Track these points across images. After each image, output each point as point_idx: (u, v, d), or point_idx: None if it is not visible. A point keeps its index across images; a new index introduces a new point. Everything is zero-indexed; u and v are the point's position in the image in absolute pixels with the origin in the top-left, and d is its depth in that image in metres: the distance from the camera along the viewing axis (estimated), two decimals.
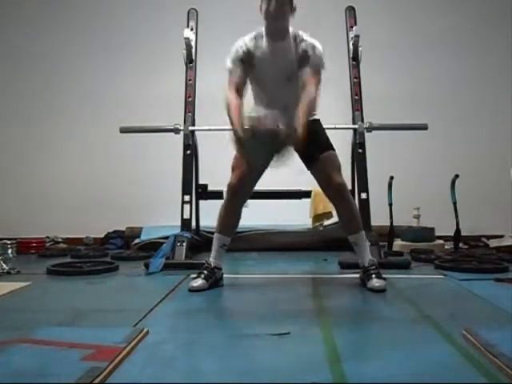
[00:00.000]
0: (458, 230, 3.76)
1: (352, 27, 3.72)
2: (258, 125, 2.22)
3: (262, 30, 2.52)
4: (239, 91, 2.48)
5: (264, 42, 2.51)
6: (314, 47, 2.48)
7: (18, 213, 4.70)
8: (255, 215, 3.89)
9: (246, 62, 2.49)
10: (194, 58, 3.81)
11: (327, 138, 2.63)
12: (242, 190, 2.56)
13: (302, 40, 2.49)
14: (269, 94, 2.55)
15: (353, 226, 2.59)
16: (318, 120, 2.64)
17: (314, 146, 2.54)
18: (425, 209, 4.15)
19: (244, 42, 2.52)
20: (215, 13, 4.44)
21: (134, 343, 1.56)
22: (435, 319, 1.92)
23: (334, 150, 2.59)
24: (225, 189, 2.65)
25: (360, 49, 3.68)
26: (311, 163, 2.58)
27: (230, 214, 2.62)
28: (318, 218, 4.01)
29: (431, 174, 4.47)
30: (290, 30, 2.50)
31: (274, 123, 2.21)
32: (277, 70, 2.50)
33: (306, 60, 2.45)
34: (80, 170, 4.81)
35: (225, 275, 2.66)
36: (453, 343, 1.61)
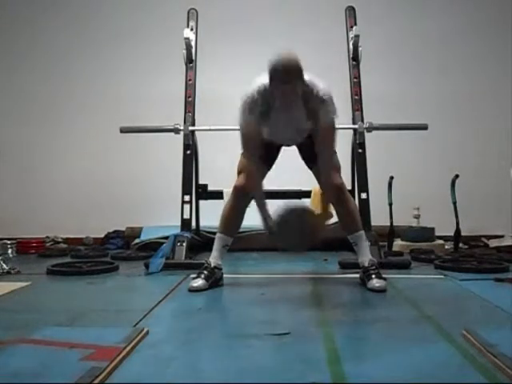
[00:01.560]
0: (457, 230, 3.76)
1: (352, 27, 3.71)
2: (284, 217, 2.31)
3: (267, 84, 2.29)
4: (257, 152, 2.44)
5: (275, 107, 2.33)
6: (322, 101, 2.31)
7: (18, 213, 4.70)
8: (255, 215, 3.89)
9: (257, 113, 2.35)
10: (194, 58, 3.81)
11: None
12: (248, 191, 2.56)
13: (312, 93, 2.30)
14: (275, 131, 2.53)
15: (352, 225, 2.60)
16: None
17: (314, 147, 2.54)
18: (425, 209, 4.15)
19: (252, 97, 2.33)
20: (215, 13, 4.44)
21: (134, 343, 1.56)
22: (435, 319, 1.92)
23: (335, 152, 2.58)
24: (225, 189, 2.65)
25: (360, 49, 3.68)
26: (313, 163, 2.58)
27: (235, 215, 2.63)
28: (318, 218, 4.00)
29: (431, 174, 4.47)
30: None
31: (297, 210, 2.32)
32: (284, 129, 2.47)
33: (317, 114, 2.33)
34: (80, 169, 4.81)
35: (225, 275, 2.65)
36: (453, 343, 1.61)
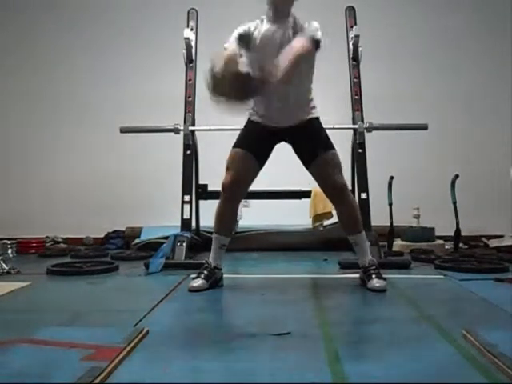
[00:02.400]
0: (457, 230, 3.76)
1: (352, 27, 3.71)
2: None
3: (264, 17, 2.53)
4: (229, 63, 2.41)
5: (263, 25, 2.51)
6: (310, 23, 2.46)
7: (18, 213, 4.70)
8: (255, 215, 3.91)
9: (243, 41, 2.49)
10: (193, 58, 3.81)
11: (327, 137, 2.58)
12: (237, 188, 2.55)
13: (300, 20, 2.49)
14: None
15: (353, 226, 2.58)
16: (318, 118, 2.60)
17: (312, 146, 2.54)
18: (425, 209, 4.15)
19: (245, 25, 2.54)
20: (215, 13, 4.44)
21: (134, 343, 1.56)
22: (435, 319, 1.92)
23: (334, 149, 2.56)
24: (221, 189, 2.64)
25: (360, 49, 3.68)
26: (310, 163, 2.55)
27: (227, 214, 2.61)
28: (317, 217, 4.01)
29: (431, 174, 4.47)
30: (291, 15, 2.50)
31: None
32: (271, 46, 2.45)
33: (301, 30, 2.45)
34: (80, 169, 4.82)
35: (225, 275, 2.65)
36: (453, 343, 1.61)
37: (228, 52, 2.43)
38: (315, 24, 2.46)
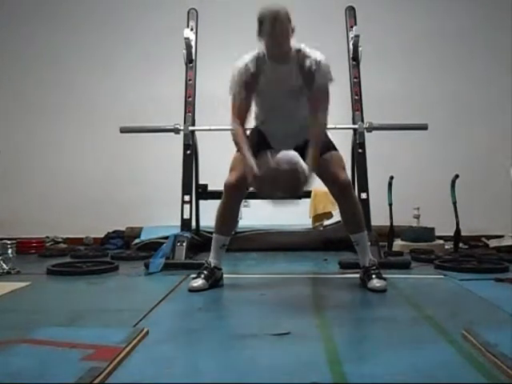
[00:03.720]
0: (457, 230, 3.76)
1: (352, 27, 3.71)
2: (276, 169, 2.21)
3: (263, 50, 2.43)
4: (244, 117, 2.49)
5: (267, 66, 2.43)
6: (318, 63, 2.39)
7: (18, 213, 4.70)
8: (255, 215, 3.90)
9: (249, 85, 2.44)
10: (193, 57, 3.81)
11: (329, 140, 2.62)
12: (239, 189, 2.55)
13: (305, 56, 2.40)
14: (272, 111, 2.55)
15: (356, 225, 2.57)
16: None
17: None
18: (425, 209, 4.15)
19: (246, 64, 2.43)
20: (215, 13, 4.44)
21: (134, 343, 1.56)
22: (435, 319, 1.92)
23: (336, 150, 2.59)
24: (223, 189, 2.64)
25: (360, 49, 3.68)
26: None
27: (228, 214, 2.61)
28: (317, 217, 4.01)
29: (431, 174, 4.47)
30: (292, 47, 2.41)
31: (291, 165, 2.22)
32: (281, 91, 2.46)
33: (312, 78, 2.39)
34: (80, 170, 4.82)
35: (225, 275, 2.66)
36: (453, 343, 1.61)
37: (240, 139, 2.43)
38: (324, 64, 2.39)
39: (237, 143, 2.45)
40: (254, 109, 2.60)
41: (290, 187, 2.27)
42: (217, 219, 2.62)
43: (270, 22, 2.30)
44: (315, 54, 2.42)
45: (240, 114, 2.48)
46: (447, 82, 4.67)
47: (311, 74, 2.39)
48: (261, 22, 2.33)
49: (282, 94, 2.47)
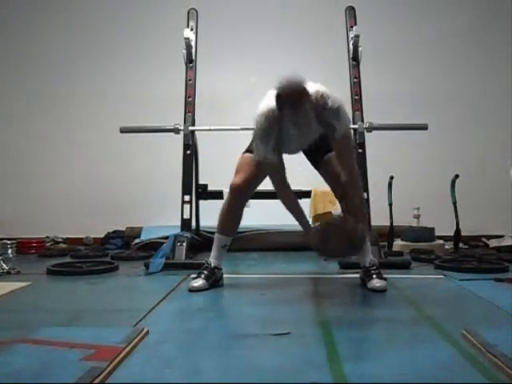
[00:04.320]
0: (457, 230, 3.76)
1: (352, 27, 3.71)
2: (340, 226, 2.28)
3: (276, 109, 2.24)
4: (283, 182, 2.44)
5: (284, 125, 2.26)
6: (337, 114, 2.26)
7: (18, 213, 4.70)
8: (255, 215, 3.89)
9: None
10: (194, 58, 3.81)
11: None
12: (245, 190, 2.56)
13: (324, 109, 2.24)
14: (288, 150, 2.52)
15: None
16: None
17: (321, 148, 2.53)
18: (425, 209, 4.15)
19: (268, 130, 2.28)
20: (215, 13, 4.44)
21: (134, 343, 1.56)
22: (435, 319, 1.92)
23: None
24: (225, 189, 2.65)
25: (360, 49, 3.67)
26: (319, 163, 2.57)
27: (233, 215, 2.61)
28: (317, 217, 4.01)
29: (431, 174, 4.47)
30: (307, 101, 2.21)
31: (350, 224, 2.26)
32: (297, 143, 2.45)
33: (333, 131, 2.29)
34: (80, 169, 4.82)
35: (225, 275, 2.66)
36: (453, 343, 1.61)
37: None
38: (342, 117, 2.30)
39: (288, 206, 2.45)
40: None
41: (349, 243, 2.28)
42: (220, 219, 2.62)
43: (289, 111, 2.17)
44: (332, 103, 2.25)
45: (279, 179, 2.41)
46: (447, 82, 4.66)
47: (331, 127, 2.29)
48: (280, 104, 2.17)
49: (299, 143, 2.46)
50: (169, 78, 4.32)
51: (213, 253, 2.62)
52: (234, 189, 2.54)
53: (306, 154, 2.64)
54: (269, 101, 2.26)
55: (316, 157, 2.58)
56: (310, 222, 4.03)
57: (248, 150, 2.57)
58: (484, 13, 4.72)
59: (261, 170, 2.45)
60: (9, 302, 2.33)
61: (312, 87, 2.23)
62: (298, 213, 2.48)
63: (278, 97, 2.15)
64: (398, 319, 1.96)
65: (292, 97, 2.14)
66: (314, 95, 2.21)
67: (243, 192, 2.56)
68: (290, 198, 2.48)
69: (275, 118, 2.24)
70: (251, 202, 3.68)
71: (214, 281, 2.55)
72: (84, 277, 2.91)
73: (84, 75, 4.83)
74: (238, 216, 2.65)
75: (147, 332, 1.70)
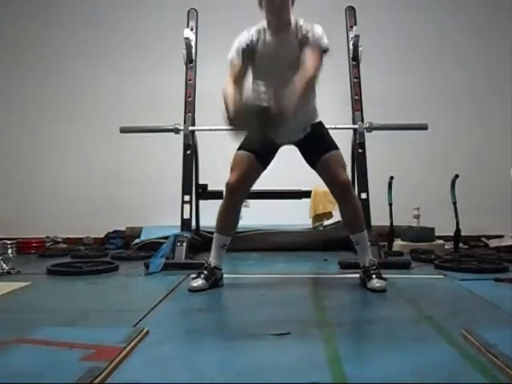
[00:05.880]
0: (458, 230, 3.76)
1: (352, 27, 3.71)
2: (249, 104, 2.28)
3: (264, 23, 2.51)
4: (238, 81, 2.45)
5: (266, 35, 2.49)
6: (313, 29, 2.45)
7: (18, 213, 4.70)
8: (255, 215, 3.90)
9: (247, 53, 2.48)
10: (194, 58, 3.81)
11: (330, 138, 2.62)
12: (241, 189, 2.56)
13: (302, 26, 2.46)
14: (269, 83, 2.52)
15: (356, 225, 2.58)
16: (321, 122, 2.65)
17: (317, 147, 2.56)
18: (425, 209, 4.15)
19: (246, 34, 2.51)
20: (215, 13, 4.44)
21: (134, 343, 1.56)
22: (435, 319, 1.92)
23: (337, 148, 2.59)
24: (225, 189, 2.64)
25: (360, 49, 3.68)
26: (315, 163, 2.57)
27: (230, 214, 2.61)
28: (317, 217, 4.01)
29: (431, 174, 4.47)
30: (292, 19, 2.48)
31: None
32: (278, 59, 2.47)
33: (307, 42, 2.43)
34: (80, 170, 4.81)
35: (225, 275, 2.65)
36: (453, 343, 1.61)
37: (236, 76, 2.43)
38: (319, 30, 2.46)
39: (224, 100, 2.34)
40: (253, 86, 2.57)
41: (263, 122, 2.22)
42: (218, 219, 2.62)
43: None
44: (312, 24, 2.47)
45: (235, 77, 2.44)
46: (447, 82, 4.66)
47: (306, 39, 2.43)
48: None
49: (282, 65, 2.46)
50: (169, 78, 4.32)
51: (212, 253, 2.62)
52: (230, 187, 2.54)
53: (302, 153, 2.63)
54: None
55: (313, 157, 2.58)
56: (310, 222, 4.08)
57: (241, 147, 2.57)
58: (486, 12, 4.72)
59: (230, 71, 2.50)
60: (9, 302, 2.33)
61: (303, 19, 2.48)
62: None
63: None
64: (398, 319, 1.96)
65: None
66: (299, 20, 2.47)
67: (239, 190, 2.56)
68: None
69: (257, 28, 2.49)
70: (251, 201, 3.70)
71: (214, 281, 2.55)
72: (84, 277, 2.91)
73: (84, 75, 4.83)
74: (236, 215, 2.65)
75: (147, 332, 1.70)
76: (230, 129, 2.29)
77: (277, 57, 2.47)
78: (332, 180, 2.55)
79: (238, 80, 2.45)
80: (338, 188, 2.54)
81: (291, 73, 2.38)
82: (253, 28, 2.52)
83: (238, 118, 2.19)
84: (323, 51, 2.42)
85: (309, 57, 2.39)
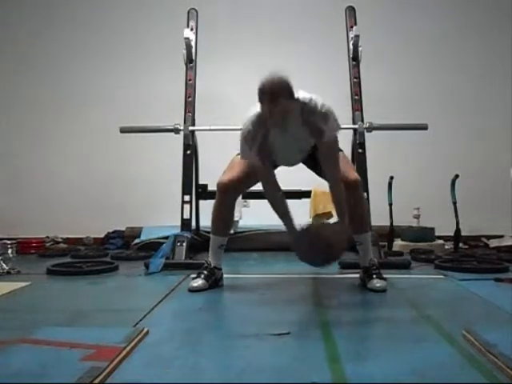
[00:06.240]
0: (458, 230, 3.76)
1: (352, 27, 3.72)
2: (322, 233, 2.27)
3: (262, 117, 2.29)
4: (270, 180, 2.42)
5: (272, 135, 2.31)
6: (325, 118, 2.23)
7: (18, 213, 4.70)
8: (255, 215, 3.91)
9: (259, 151, 2.33)
10: (194, 57, 3.81)
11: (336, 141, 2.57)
12: (233, 189, 2.55)
13: (311, 113, 2.23)
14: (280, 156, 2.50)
15: (362, 225, 2.55)
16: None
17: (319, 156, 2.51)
18: (425, 209, 4.15)
19: (249, 134, 2.31)
20: (215, 13, 4.44)
21: (134, 343, 1.56)
22: (435, 319, 1.92)
23: (341, 150, 2.53)
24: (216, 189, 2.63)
25: (360, 49, 3.68)
26: (320, 170, 2.50)
27: (223, 214, 2.60)
28: (318, 218, 4.01)
29: (431, 174, 4.47)
30: (293, 106, 2.20)
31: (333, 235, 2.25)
32: (289, 152, 2.46)
33: (320, 134, 2.26)
34: (80, 170, 4.81)
35: (225, 275, 2.65)
36: (453, 343, 1.61)
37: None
38: (330, 120, 2.25)
39: (274, 206, 2.42)
40: None
41: (328, 252, 2.27)
42: (212, 220, 2.61)
43: (268, 106, 2.13)
44: (319, 107, 2.23)
45: (265, 178, 2.40)
46: (447, 82, 4.66)
47: (318, 131, 2.25)
48: (260, 96, 2.15)
49: (290, 153, 2.47)
50: (169, 78, 4.32)
51: (210, 254, 2.62)
52: (221, 187, 2.54)
53: (307, 164, 2.62)
54: (253, 108, 2.29)
55: (317, 168, 2.52)
56: (310, 222, 4.08)
57: (239, 154, 2.55)
58: (486, 12, 4.72)
59: (253, 170, 2.44)
60: (9, 302, 2.33)
61: (302, 94, 2.23)
62: (284, 215, 2.42)
63: (259, 90, 2.14)
64: (397, 319, 1.96)
65: (271, 87, 2.11)
66: (302, 99, 2.21)
67: (230, 191, 2.55)
68: (279, 201, 2.44)
69: (261, 122, 2.25)
70: (251, 201, 3.70)
71: (214, 281, 2.55)
72: (84, 277, 2.91)
73: (84, 75, 4.83)
74: (229, 215, 2.64)
75: (147, 332, 1.70)
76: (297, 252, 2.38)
77: (285, 148, 2.39)
78: (343, 181, 2.50)
79: (270, 179, 2.41)
80: (349, 187, 2.47)
81: (302, 155, 2.49)
82: (251, 123, 2.30)
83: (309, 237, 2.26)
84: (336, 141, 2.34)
85: (329, 169, 2.33)
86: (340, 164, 2.43)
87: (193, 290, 2.47)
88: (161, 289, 2.52)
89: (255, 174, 2.49)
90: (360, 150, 3.60)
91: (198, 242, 3.68)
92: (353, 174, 2.50)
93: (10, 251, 3.91)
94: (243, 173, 2.52)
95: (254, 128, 2.29)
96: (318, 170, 2.53)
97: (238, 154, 2.55)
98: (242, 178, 2.53)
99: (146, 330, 1.71)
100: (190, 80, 3.79)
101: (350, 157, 3.67)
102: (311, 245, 2.26)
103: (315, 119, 2.23)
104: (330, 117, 2.24)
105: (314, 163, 2.55)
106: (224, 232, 2.63)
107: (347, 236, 2.32)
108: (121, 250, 4.22)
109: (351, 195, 2.50)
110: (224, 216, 2.61)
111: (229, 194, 2.56)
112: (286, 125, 2.23)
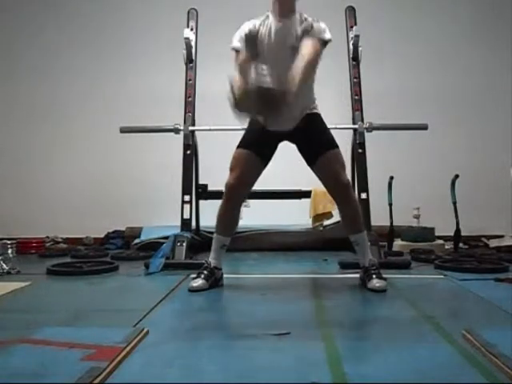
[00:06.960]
0: (458, 230, 3.76)
1: (352, 27, 3.71)
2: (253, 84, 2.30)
3: (269, 13, 2.52)
4: (244, 67, 2.46)
5: (270, 21, 2.49)
6: (316, 21, 2.47)
7: (18, 213, 4.70)
8: (255, 215, 3.91)
9: (250, 39, 2.49)
10: (194, 58, 3.81)
11: (330, 135, 2.59)
12: (240, 188, 2.55)
13: (307, 18, 2.48)
14: (272, 67, 2.49)
15: (355, 225, 2.57)
16: (319, 115, 2.60)
17: (316, 144, 2.53)
18: (425, 209, 4.15)
19: (248, 22, 2.54)
20: (215, 13, 4.44)
21: (134, 343, 1.56)
22: (435, 319, 1.92)
23: (337, 147, 2.55)
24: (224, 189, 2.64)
25: (360, 49, 3.68)
26: (313, 161, 2.53)
27: (229, 215, 2.60)
28: (317, 217, 4.02)
29: (431, 174, 4.47)
30: (297, 11, 2.49)
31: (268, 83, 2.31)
32: (281, 43, 2.46)
33: (309, 32, 2.43)
34: (80, 170, 4.81)
35: (225, 275, 2.65)
36: (453, 343, 1.61)
37: (242, 63, 2.45)
38: (323, 24, 2.47)
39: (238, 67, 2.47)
40: (256, 70, 2.54)
41: (266, 104, 2.22)
42: (218, 220, 2.61)
43: None
44: (317, 20, 2.49)
45: (240, 62, 2.46)
46: (447, 82, 4.66)
47: (308, 30, 2.43)
48: None
49: (284, 49, 2.44)
50: (169, 78, 4.32)
51: (212, 253, 2.62)
52: (230, 187, 2.53)
53: (301, 150, 2.60)
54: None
55: (311, 154, 2.54)
56: (310, 222, 4.08)
57: (240, 145, 2.56)
58: (485, 10, 4.73)
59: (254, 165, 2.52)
60: (9, 302, 2.33)
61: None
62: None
63: None
64: (398, 319, 1.96)
65: None
66: (303, 13, 2.50)
67: (239, 191, 2.55)
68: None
69: (259, 21, 2.51)
70: (251, 201, 3.70)
71: (214, 281, 2.55)
72: (84, 277, 2.91)
73: (84, 75, 4.84)
74: (236, 215, 2.64)
75: (147, 332, 1.70)
76: (235, 112, 2.27)
77: (279, 41, 2.46)
78: (331, 181, 2.53)
79: (244, 66, 2.45)
80: (337, 188, 2.53)
81: (293, 58, 2.37)
82: (256, 18, 2.54)
83: (243, 101, 2.20)
84: (324, 42, 2.42)
85: (307, 44, 2.38)
86: (336, 165, 2.50)
87: (193, 290, 2.47)
88: (161, 289, 2.52)
89: (256, 169, 2.53)
90: (360, 150, 3.60)
91: (197, 242, 3.68)
92: (344, 178, 2.53)
93: (10, 251, 3.90)
94: (248, 170, 2.53)
95: (256, 19, 2.53)
96: (310, 161, 2.56)
97: (239, 147, 2.55)
98: (249, 176, 2.55)
99: (146, 329, 1.71)
100: (190, 80, 3.79)
101: (350, 157, 3.69)
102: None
103: (309, 20, 2.47)
104: (320, 23, 2.48)
105: (307, 151, 2.56)
106: (229, 232, 2.63)
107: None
108: (121, 249, 4.22)
109: (342, 197, 2.53)
110: (230, 216, 2.61)
111: (237, 194, 2.56)
112: (289, 10, 2.47)
